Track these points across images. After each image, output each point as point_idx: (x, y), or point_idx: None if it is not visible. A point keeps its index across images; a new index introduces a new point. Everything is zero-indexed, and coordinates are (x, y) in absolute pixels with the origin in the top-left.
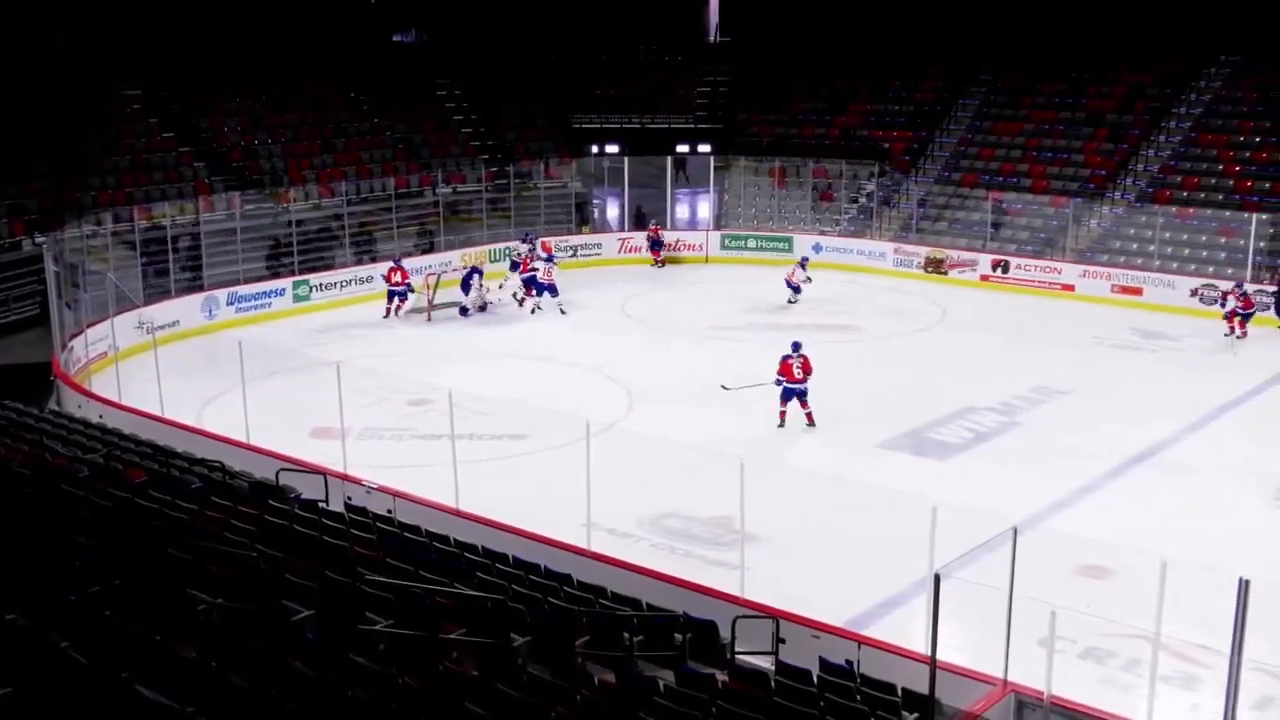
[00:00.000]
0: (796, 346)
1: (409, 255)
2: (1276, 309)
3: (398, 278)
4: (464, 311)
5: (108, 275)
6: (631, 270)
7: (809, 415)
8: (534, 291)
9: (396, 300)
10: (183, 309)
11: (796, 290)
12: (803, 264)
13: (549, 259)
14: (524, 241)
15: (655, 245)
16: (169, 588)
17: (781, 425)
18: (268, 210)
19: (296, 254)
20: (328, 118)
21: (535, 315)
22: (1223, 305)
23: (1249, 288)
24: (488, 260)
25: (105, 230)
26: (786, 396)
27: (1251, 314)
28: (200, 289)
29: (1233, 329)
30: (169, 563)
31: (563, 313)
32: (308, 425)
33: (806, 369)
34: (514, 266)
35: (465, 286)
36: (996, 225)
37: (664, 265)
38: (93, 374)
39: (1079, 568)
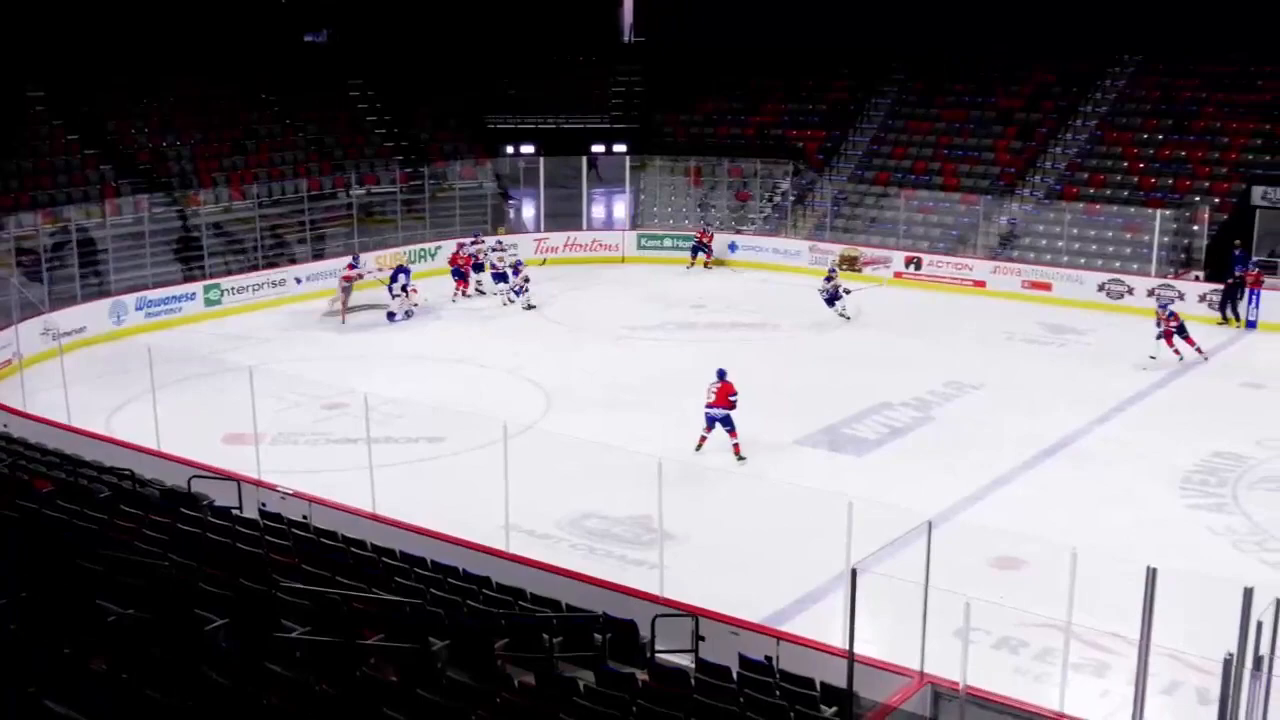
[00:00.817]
0: (721, 374)
1: (324, 257)
2: (1221, 306)
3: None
4: (391, 317)
5: (11, 280)
6: (547, 271)
7: (735, 447)
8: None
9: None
10: (90, 315)
11: (833, 300)
12: (831, 273)
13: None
14: (474, 242)
15: (700, 249)
16: (78, 599)
17: (698, 449)
18: (177, 213)
19: (207, 258)
20: (238, 119)
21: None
22: (1159, 325)
23: (1173, 306)
24: (407, 261)
25: (9, 235)
26: (708, 422)
27: (1183, 326)
28: (108, 294)
29: (1177, 351)
30: (78, 574)
31: (511, 302)
32: (220, 431)
33: (720, 396)
34: (476, 268)
35: (391, 286)
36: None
37: (710, 268)
38: None
39: (993, 560)
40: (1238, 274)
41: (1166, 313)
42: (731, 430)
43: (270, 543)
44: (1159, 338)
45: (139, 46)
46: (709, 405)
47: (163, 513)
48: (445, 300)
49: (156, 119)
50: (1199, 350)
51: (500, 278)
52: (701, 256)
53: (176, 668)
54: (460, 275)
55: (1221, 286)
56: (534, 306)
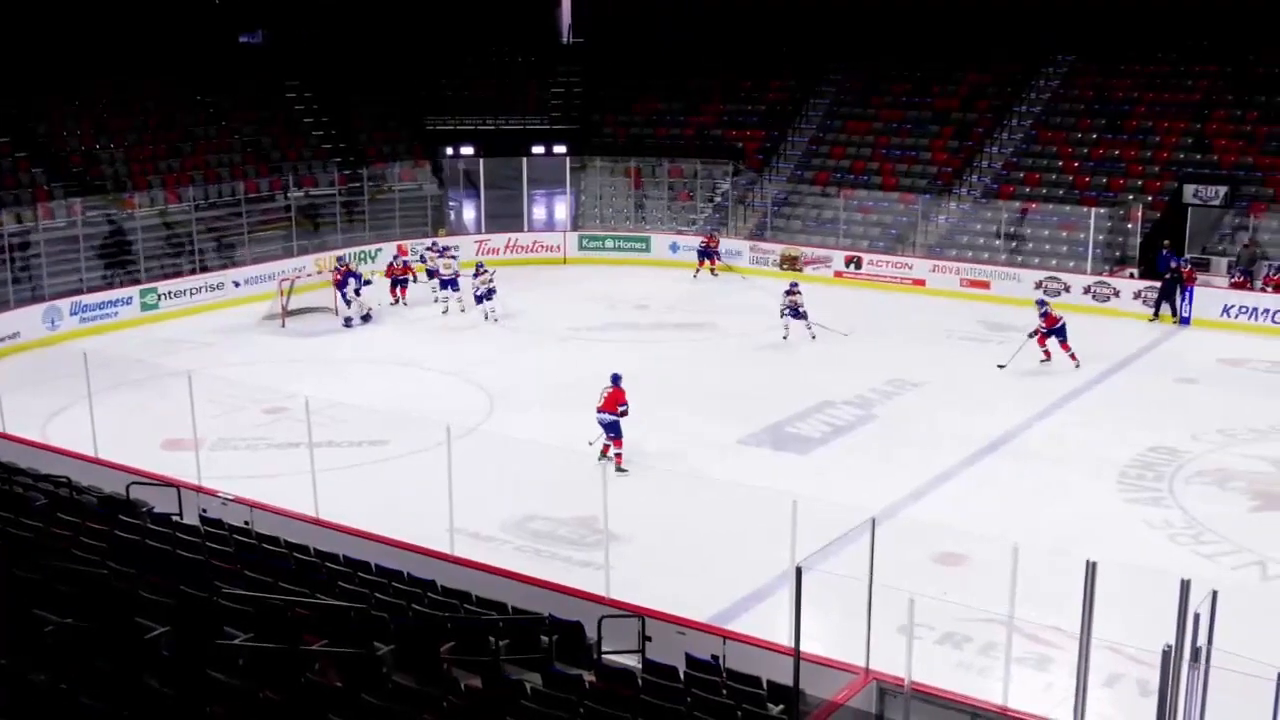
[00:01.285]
0: (615, 379)
1: (262, 260)
2: (1156, 304)
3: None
4: (348, 323)
5: None
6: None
7: (616, 457)
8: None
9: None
10: (23, 320)
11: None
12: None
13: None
14: (436, 252)
15: (706, 254)
16: (15, 609)
17: (600, 457)
18: (111, 216)
19: (143, 262)
20: (174, 120)
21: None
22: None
23: (1050, 305)
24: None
25: None
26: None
27: (1060, 329)
28: (42, 299)
29: (1047, 353)
30: (14, 583)
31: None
32: (159, 437)
33: (609, 402)
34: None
35: (343, 291)
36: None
37: (717, 274)
38: None
39: (936, 555)
40: (1174, 268)
41: (1042, 311)
42: (616, 438)
43: (211, 549)
44: (1030, 335)
45: (71, 47)
46: (598, 409)
47: (101, 520)
48: (386, 304)
49: (89, 121)
50: (1073, 358)
51: (448, 284)
52: (709, 262)
53: (117, 677)
54: (400, 283)
55: (1159, 284)
56: (494, 317)
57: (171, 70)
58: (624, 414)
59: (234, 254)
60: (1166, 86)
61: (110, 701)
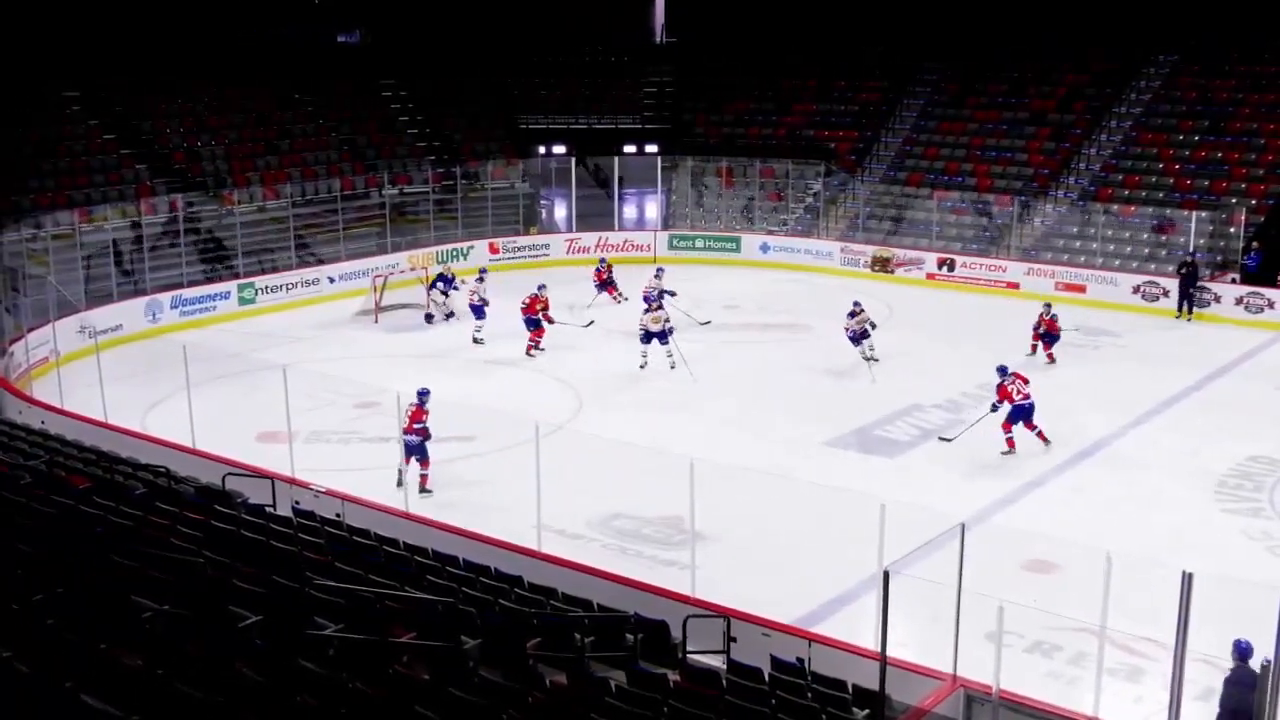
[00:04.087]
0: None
1: (357, 257)
2: (1179, 304)
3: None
4: (429, 319)
5: (48, 279)
6: (579, 271)
7: (422, 478)
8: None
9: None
10: (125, 313)
11: (859, 339)
12: (658, 274)
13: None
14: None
15: (605, 285)
16: (113, 595)
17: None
18: (211, 213)
19: (241, 257)
20: (272, 119)
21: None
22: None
23: (1056, 310)
24: (435, 261)
25: (46, 234)
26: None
27: (1056, 339)
28: (143, 293)
29: (1034, 349)
30: (113, 570)
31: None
32: (254, 429)
33: (413, 420)
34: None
35: (431, 292)
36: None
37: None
38: (34, 379)
39: (1026, 563)
40: (1188, 262)
41: (1050, 313)
42: (423, 460)
43: (303, 540)
44: (993, 410)
45: (173, 46)
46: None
47: (197, 510)
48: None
49: (191, 119)
50: (1041, 437)
51: (479, 311)
52: (610, 291)
53: (210, 664)
54: (534, 324)
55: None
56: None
57: (271, 70)
58: (425, 434)
59: (329, 250)
60: (1272, 88)
61: (203, 688)
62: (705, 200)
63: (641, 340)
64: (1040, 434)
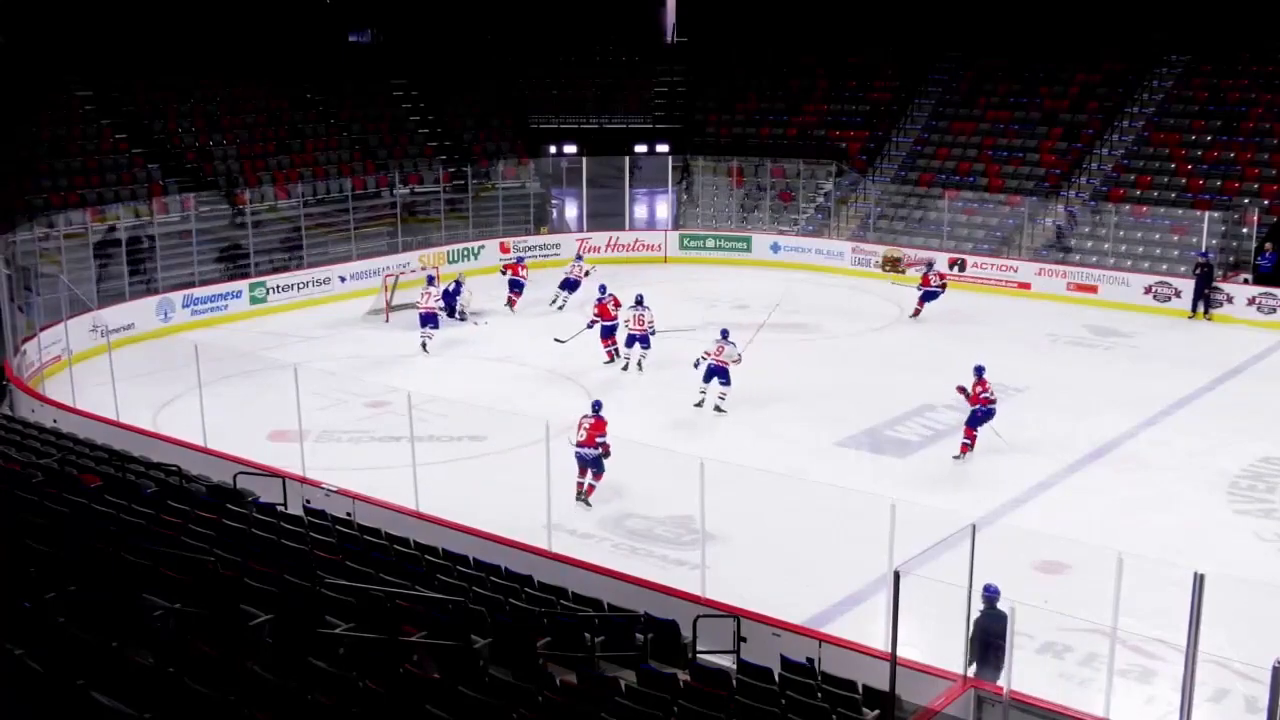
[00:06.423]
0: (597, 406)
1: (368, 256)
2: (1193, 303)
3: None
4: (462, 317)
5: (60, 278)
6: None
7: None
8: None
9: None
10: (137, 312)
11: (573, 288)
12: (579, 257)
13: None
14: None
15: (517, 286)
16: (124, 593)
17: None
18: (223, 212)
19: (253, 256)
20: (283, 119)
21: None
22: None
23: (940, 265)
24: (446, 261)
25: (58, 233)
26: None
27: (936, 295)
28: (155, 292)
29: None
30: (124, 568)
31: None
32: (265, 428)
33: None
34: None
35: (449, 299)
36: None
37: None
38: (46, 378)
39: (1037, 564)
40: (1202, 262)
41: (931, 269)
42: (598, 473)
43: (314, 539)
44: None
45: (185, 46)
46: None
47: (208, 509)
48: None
49: (203, 118)
50: (964, 447)
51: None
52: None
53: (221, 662)
54: (518, 286)
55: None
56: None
57: (282, 70)
58: (606, 450)
59: (340, 250)
60: None
61: (215, 686)
62: (716, 200)
63: (625, 344)
64: (970, 442)
